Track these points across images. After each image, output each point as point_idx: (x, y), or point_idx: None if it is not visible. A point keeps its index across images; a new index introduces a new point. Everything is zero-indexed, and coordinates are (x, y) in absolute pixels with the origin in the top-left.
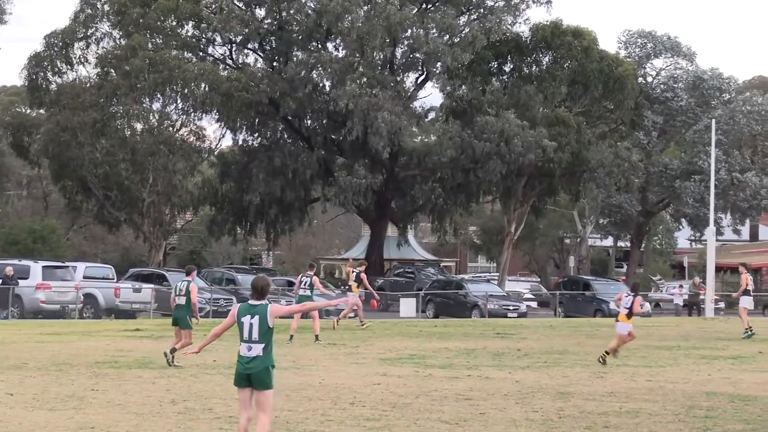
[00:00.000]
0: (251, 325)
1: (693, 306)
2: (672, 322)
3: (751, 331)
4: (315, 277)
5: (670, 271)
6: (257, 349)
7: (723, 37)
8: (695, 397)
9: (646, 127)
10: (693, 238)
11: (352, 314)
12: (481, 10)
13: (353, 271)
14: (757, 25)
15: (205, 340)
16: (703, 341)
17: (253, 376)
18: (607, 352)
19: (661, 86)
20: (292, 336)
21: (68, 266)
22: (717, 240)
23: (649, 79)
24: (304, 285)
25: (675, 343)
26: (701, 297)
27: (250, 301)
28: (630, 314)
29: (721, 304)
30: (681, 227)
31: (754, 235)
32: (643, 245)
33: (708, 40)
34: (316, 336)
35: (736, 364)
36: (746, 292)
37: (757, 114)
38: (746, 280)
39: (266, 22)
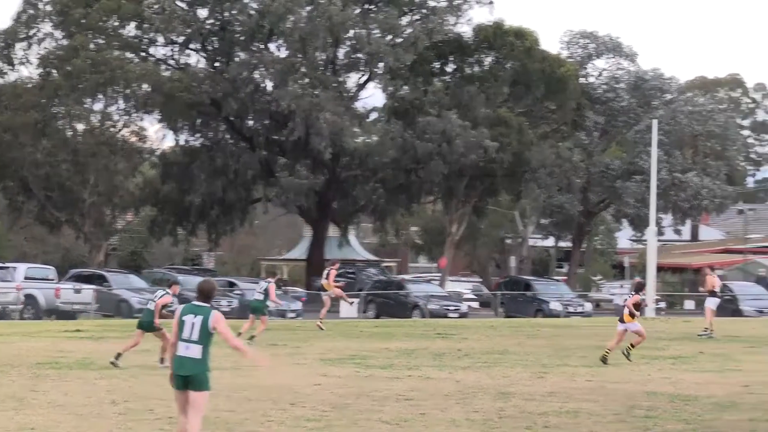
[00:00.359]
0: (193, 324)
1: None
2: (612, 323)
3: (709, 332)
4: (271, 285)
5: (611, 271)
6: (195, 350)
7: (665, 37)
8: (635, 396)
9: (588, 127)
10: (634, 238)
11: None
12: (424, 11)
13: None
14: (698, 26)
15: (168, 353)
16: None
17: (190, 378)
18: (608, 350)
19: (603, 86)
20: (253, 336)
21: (9, 267)
22: (658, 240)
23: (591, 79)
24: (260, 290)
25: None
26: (642, 297)
27: (194, 302)
28: (632, 313)
29: (662, 305)
30: (622, 227)
31: (694, 236)
32: (584, 245)
33: (650, 41)
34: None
35: (677, 363)
36: (713, 293)
37: (699, 114)
38: (712, 281)
39: (209, 22)
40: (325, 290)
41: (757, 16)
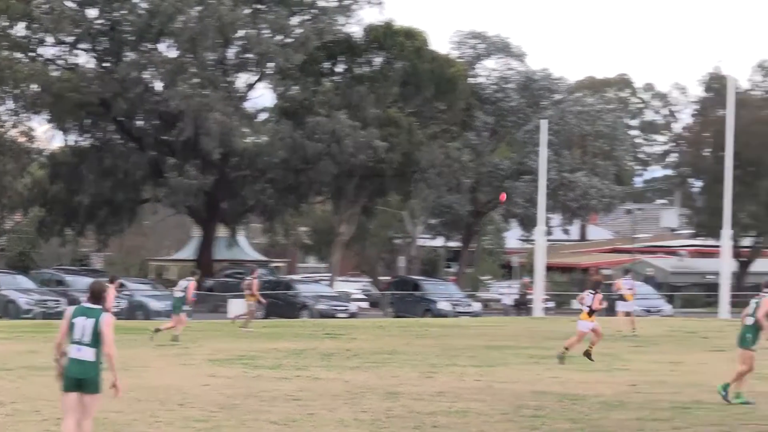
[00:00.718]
0: (84, 327)
1: (522, 305)
2: (501, 322)
3: (633, 332)
4: (192, 283)
5: (500, 271)
6: (88, 353)
7: (554, 38)
8: (524, 396)
9: (477, 127)
10: (523, 237)
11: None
12: (314, 11)
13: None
14: (587, 27)
15: (55, 354)
16: (532, 341)
17: (84, 381)
18: (566, 348)
19: (493, 87)
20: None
21: None
22: (546, 240)
23: (481, 79)
24: (180, 289)
25: (504, 343)
26: (530, 297)
27: (85, 304)
28: (591, 312)
29: (550, 304)
30: (511, 227)
31: (583, 235)
32: (474, 245)
33: (539, 41)
34: (157, 329)
35: (565, 363)
36: (621, 297)
37: (587, 114)
38: (619, 285)
39: (98, 22)
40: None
41: (645, 17)
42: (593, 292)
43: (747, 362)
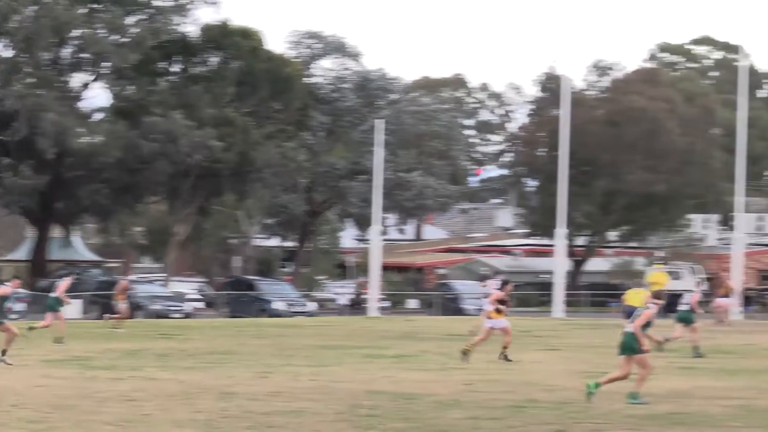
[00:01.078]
0: None
1: (357, 305)
2: (336, 322)
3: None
4: (65, 282)
5: (336, 271)
6: None
7: (390, 37)
8: (359, 396)
9: (314, 127)
10: (358, 237)
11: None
12: (150, 11)
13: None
14: (423, 26)
15: None
16: (367, 340)
17: None
18: (471, 345)
19: (329, 86)
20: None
21: None
22: (382, 239)
23: (317, 79)
24: (57, 287)
25: (339, 343)
26: (365, 296)
27: None
28: (499, 310)
29: (386, 304)
30: (346, 227)
31: (418, 235)
32: (309, 245)
33: (375, 41)
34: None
35: (400, 362)
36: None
37: (423, 114)
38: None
39: None
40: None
41: (480, 17)
42: (499, 290)
43: (624, 369)
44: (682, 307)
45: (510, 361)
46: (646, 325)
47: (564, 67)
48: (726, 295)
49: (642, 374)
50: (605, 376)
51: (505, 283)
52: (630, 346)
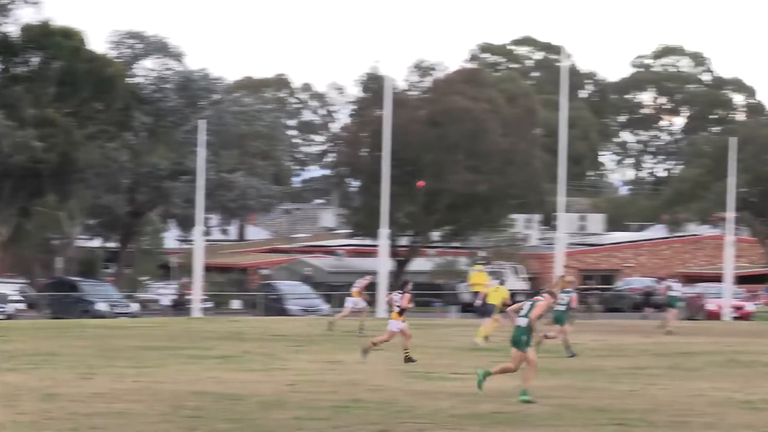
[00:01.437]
0: None
1: (180, 306)
2: (160, 323)
3: (361, 329)
4: None
5: (159, 272)
6: None
7: (212, 38)
8: (183, 396)
9: (136, 127)
10: (181, 238)
11: None
12: None
13: None
14: (245, 26)
15: None
16: (190, 341)
17: None
18: (373, 344)
19: (151, 87)
20: None
21: None
22: (205, 240)
23: (139, 79)
24: None
25: (162, 344)
26: (189, 297)
27: None
28: (401, 311)
29: (209, 304)
30: (169, 227)
31: (242, 235)
32: (132, 246)
33: (198, 41)
34: None
35: (224, 363)
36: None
37: (246, 115)
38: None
39: None
40: None
41: (301, 17)
42: (401, 292)
43: (515, 362)
44: (558, 307)
45: (414, 361)
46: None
47: (386, 67)
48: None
49: (529, 370)
50: (497, 366)
51: (404, 283)
52: (519, 340)
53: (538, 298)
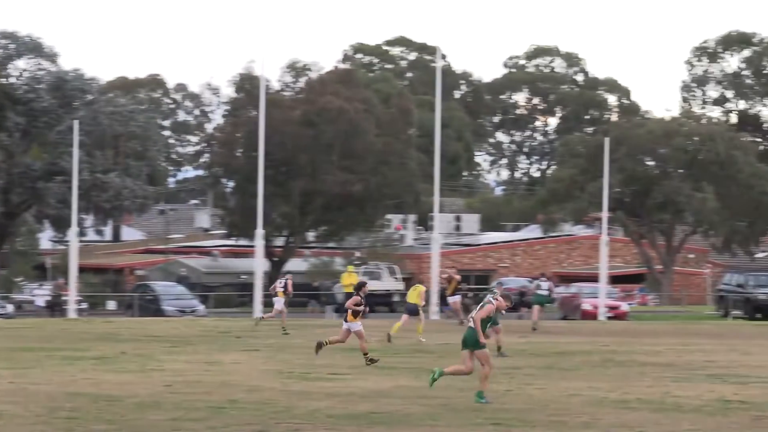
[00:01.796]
0: None
1: (56, 307)
2: (34, 324)
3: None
4: None
5: (34, 272)
6: None
7: (86, 37)
8: (58, 398)
9: (9, 128)
10: (56, 239)
11: None
12: None
13: None
14: (118, 26)
15: None
16: (66, 342)
17: None
18: (329, 341)
19: (24, 87)
20: None
21: None
22: (80, 241)
23: (12, 80)
24: None
25: (38, 345)
26: (64, 298)
27: None
28: (356, 313)
29: (84, 305)
30: (44, 228)
31: (116, 236)
32: (6, 247)
33: (71, 41)
34: None
35: (100, 364)
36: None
37: (120, 115)
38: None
39: None
40: None
41: (174, 16)
42: (356, 294)
43: (465, 362)
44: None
45: (375, 361)
46: (487, 320)
47: (260, 67)
48: (457, 291)
49: (485, 371)
50: (450, 366)
51: (361, 285)
52: (472, 341)
53: (489, 300)
